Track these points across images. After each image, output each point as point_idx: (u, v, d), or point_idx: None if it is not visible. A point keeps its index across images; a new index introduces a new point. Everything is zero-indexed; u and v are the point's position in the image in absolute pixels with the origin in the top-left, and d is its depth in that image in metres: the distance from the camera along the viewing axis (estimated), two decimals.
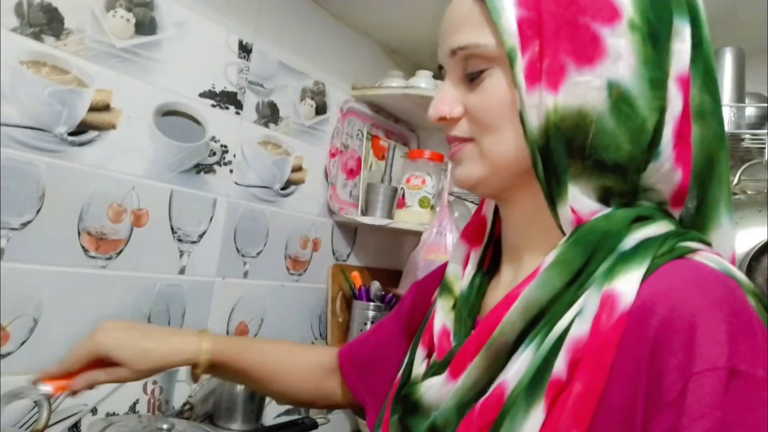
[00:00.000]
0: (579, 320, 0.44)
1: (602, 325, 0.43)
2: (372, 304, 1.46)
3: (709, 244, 0.50)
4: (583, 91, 0.47)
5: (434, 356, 0.57)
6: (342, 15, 1.44)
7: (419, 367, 0.58)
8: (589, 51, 0.47)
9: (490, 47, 0.50)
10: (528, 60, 0.48)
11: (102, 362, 0.70)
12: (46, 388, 0.68)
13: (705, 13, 0.51)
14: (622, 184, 0.49)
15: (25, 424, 0.90)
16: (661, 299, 0.42)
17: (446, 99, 0.54)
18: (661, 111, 0.48)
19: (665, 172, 0.49)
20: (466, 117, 0.54)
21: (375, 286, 1.49)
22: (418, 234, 1.43)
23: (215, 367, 0.75)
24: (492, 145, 0.52)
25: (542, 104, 0.48)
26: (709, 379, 0.39)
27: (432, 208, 1.47)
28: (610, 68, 0.47)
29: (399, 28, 1.48)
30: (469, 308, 0.58)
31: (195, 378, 0.74)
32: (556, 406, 0.43)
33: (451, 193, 1.42)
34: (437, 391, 0.51)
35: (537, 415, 0.43)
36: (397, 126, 1.69)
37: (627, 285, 0.44)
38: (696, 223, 0.52)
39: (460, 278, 0.61)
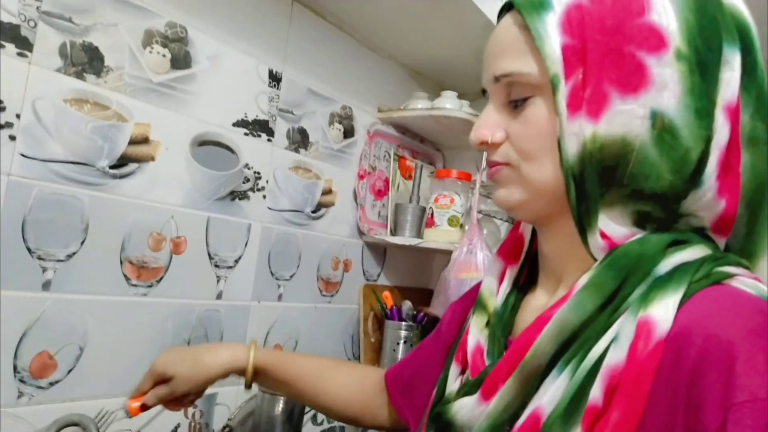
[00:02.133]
0: (615, 347, 0.44)
1: (639, 353, 0.43)
2: (404, 323, 1.47)
3: (747, 268, 0.49)
4: (626, 119, 0.47)
5: (467, 374, 0.57)
6: (367, 40, 1.47)
7: (453, 384, 0.58)
8: (633, 80, 0.47)
9: (534, 75, 0.50)
10: (571, 87, 0.48)
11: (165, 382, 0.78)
12: (134, 405, 0.79)
13: (758, 39, 0.50)
14: (660, 211, 0.49)
15: None
16: (698, 327, 0.42)
17: (488, 124, 0.55)
18: (707, 141, 0.47)
19: (707, 201, 0.49)
20: (508, 143, 0.54)
21: (406, 305, 1.50)
22: (447, 253, 1.44)
23: (261, 376, 0.81)
24: (531, 171, 0.52)
25: (581, 132, 0.48)
26: (750, 410, 0.38)
27: (461, 226, 1.48)
28: (654, 98, 0.47)
29: (423, 50, 1.51)
30: (503, 326, 0.58)
31: (245, 385, 0.81)
32: None
33: (479, 211, 1.43)
34: (469, 411, 0.52)
35: None
36: (423, 146, 1.71)
37: (663, 311, 0.43)
38: (745, 249, 0.52)
39: (495, 295, 0.61)
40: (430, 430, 0.57)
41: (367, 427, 0.83)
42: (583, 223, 0.50)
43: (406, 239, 1.49)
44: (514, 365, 0.48)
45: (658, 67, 0.47)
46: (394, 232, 1.54)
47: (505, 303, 0.60)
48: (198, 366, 0.78)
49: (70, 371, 0.93)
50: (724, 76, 0.48)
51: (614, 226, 0.49)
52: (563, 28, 0.49)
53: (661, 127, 0.47)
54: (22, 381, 0.88)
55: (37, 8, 0.86)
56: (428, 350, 0.76)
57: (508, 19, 0.53)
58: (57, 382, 0.92)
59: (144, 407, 0.78)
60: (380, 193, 1.55)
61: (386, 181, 1.56)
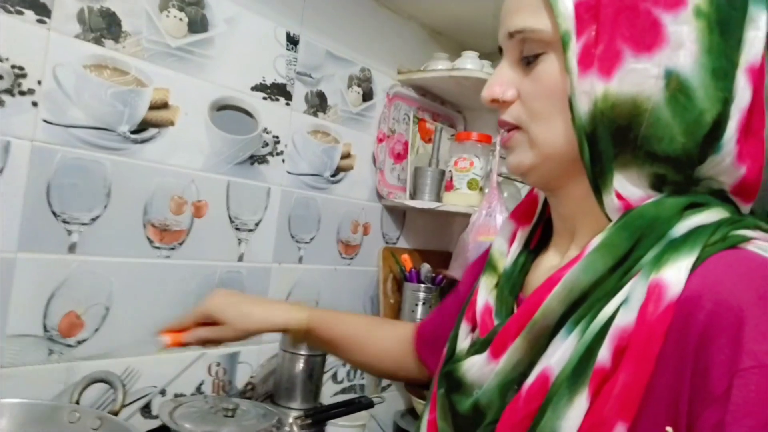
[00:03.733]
0: (625, 309, 0.44)
1: (649, 315, 0.42)
2: (422, 285, 1.48)
3: (766, 231, 0.48)
4: (639, 79, 0.46)
5: (477, 333, 0.58)
6: (385, 0, 1.44)
7: (463, 342, 0.59)
8: (648, 38, 0.46)
9: (546, 31, 0.50)
10: (582, 45, 0.48)
11: (211, 325, 0.80)
12: (165, 338, 0.79)
13: None
14: (675, 174, 0.48)
15: (101, 405, 0.96)
16: (709, 292, 0.41)
17: (500, 81, 0.54)
18: (725, 103, 0.46)
19: (726, 166, 0.48)
20: (519, 101, 0.53)
21: (425, 268, 1.51)
22: (467, 216, 1.44)
23: (308, 335, 0.82)
24: (541, 132, 0.52)
25: (592, 90, 0.47)
26: (756, 376, 0.38)
27: (481, 189, 1.47)
28: (669, 56, 0.46)
29: (443, 9, 1.48)
30: (511, 286, 0.58)
31: (292, 342, 0.85)
32: (600, 396, 0.43)
33: (499, 174, 1.42)
34: (479, 370, 0.52)
35: (580, 403, 0.43)
36: (444, 108, 1.69)
37: (675, 274, 0.43)
38: None
39: (505, 256, 0.62)
40: (442, 387, 0.58)
41: (402, 380, 0.88)
42: (598, 183, 0.50)
43: (425, 203, 1.49)
44: (523, 324, 0.49)
45: (674, 24, 0.46)
46: (413, 196, 1.54)
47: (514, 263, 0.60)
48: (249, 318, 0.80)
49: (96, 330, 0.97)
50: (748, 35, 0.46)
51: (630, 187, 0.49)
52: None
53: (676, 87, 0.46)
54: (51, 339, 0.91)
55: None
56: (449, 307, 0.77)
57: None
58: (84, 340, 0.96)
59: (183, 344, 0.80)
60: (399, 157, 1.54)
61: (405, 144, 1.56)
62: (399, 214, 1.58)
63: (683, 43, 0.45)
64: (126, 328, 1.00)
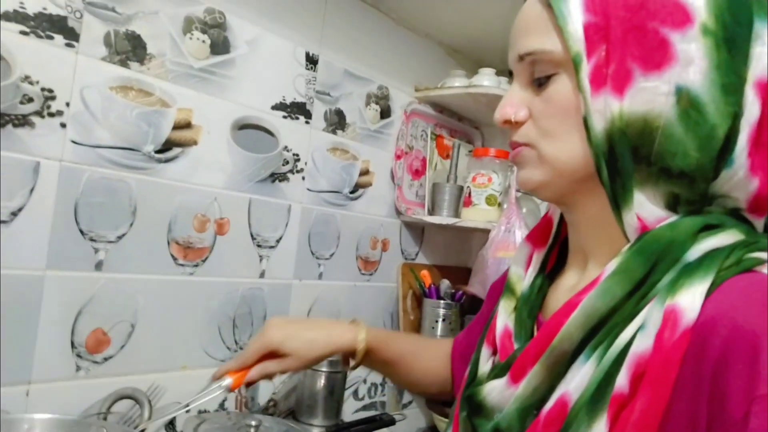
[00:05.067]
0: (641, 335, 0.44)
1: (665, 341, 0.43)
2: (442, 302, 1.48)
3: None
4: (650, 97, 0.47)
5: (497, 357, 0.58)
6: (403, 19, 1.47)
7: (484, 366, 0.60)
8: (657, 56, 0.47)
9: (557, 53, 0.50)
10: (594, 65, 0.48)
11: (272, 355, 0.75)
12: (228, 380, 0.75)
13: None
14: (690, 192, 0.48)
15: (128, 421, 0.97)
16: (725, 318, 0.42)
17: (512, 102, 0.55)
18: (735, 118, 0.46)
19: (739, 180, 0.48)
20: (531, 121, 0.54)
21: (444, 284, 1.51)
22: (486, 232, 1.44)
23: (367, 356, 0.79)
24: (552, 150, 0.52)
25: (607, 109, 0.48)
26: None
27: (499, 205, 1.48)
28: (679, 74, 0.46)
29: (460, 27, 1.49)
30: (530, 309, 0.59)
31: (350, 365, 0.79)
32: (619, 421, 0.43)
33: (518, 190, 1.43)
34: (499, 394, 0.53)
35: (599, 429, 0.44)
36: (461, 124, 1.70)
37: (690, 300, 0.43)
38: None
39: (522, 279, 0.62)
40: (464, 410, 0.59)
41: (449, 398, 0.85)
42: (618, 201, 0.50)
43: (443, 218, 1.50)
44: (542, 350, 0.49)
45: (682, 42, 0.46)
46: (431, 212, 1.55)
47: (531, 286, 0.61)
48: (315, 346, 0.76)
49: (122, 347, 0.98)
50: (755, 51, 0.47)
51: (648, 205, 0.49)
52: (586, 5, 0.49)
53: (687, 104, 0.46)
54: (78, 356, 0.93)
55: None
56: (477, 325, 0.78)
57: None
58: (111, 357, 0.97)
59: (249, 383, 0.76)
60: (418, 173, 1.55)
61: (423, 160, 1.57)
62: (418, 230, 1.58)
63: (692, 60, 0.46)
64: (151, 345, 1.02)
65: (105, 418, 0.88)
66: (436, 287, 1.51)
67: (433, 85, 1.53)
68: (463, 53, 1.66)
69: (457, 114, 1.67)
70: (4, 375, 0.84)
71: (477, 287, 1.46)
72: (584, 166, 0.51)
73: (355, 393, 1.41)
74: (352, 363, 0.79)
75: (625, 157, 0.48)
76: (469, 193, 1.49)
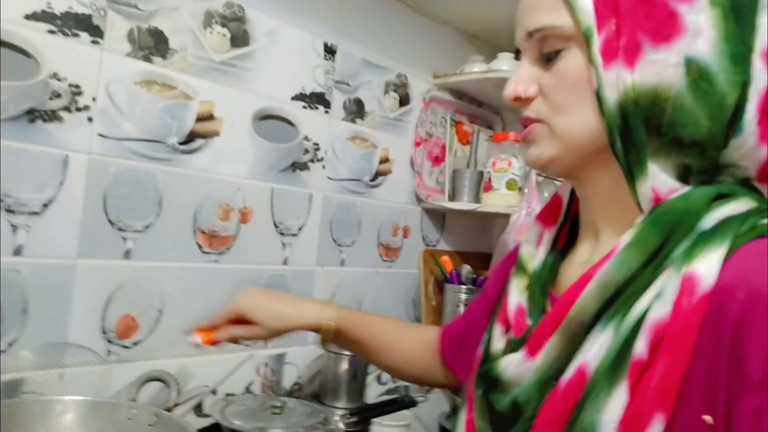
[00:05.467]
0: (659, 302, 0.45)
1: (684, 307, 0.43)
2: (464, 287, 1.50)
3: None
4: (659, 68, 0.48)
5: (511, 333, 0.59)
6: (420, 7, 1.47)
7: (498, 343, 0.60)
8: (665, 28, 0.47)
9: (566, 27, 0.51)
10: (604, 38, 0.49)
11: (242, 322, 0.80)
12: (196, 339, 0.80)
13: None
14: (701, 161, 0.49)
15: (156, 404, 1.01)
16: (742, 282, 0.42)
17: (522, 79, 0.56)
18: (744, 86, 0.47)
19: (748, 148, 0.48)
20: (541, 97, 0.55)
21: (466, 269, 1.52)
22: (506, 216, 1.44)
23: (337, 334, 0.82)
24: (564, 124, 0.53)
25: (619, 81, 0.48)
26: None
27: (520, 189, 1.48)
28: (688, 45, 0.47)
29: (478, 13, 1.49)
30: (542, 286, 0.59)
31: (322, 342, 0.83)
32: (639, 388, 0.44)
33: (538, 174, 1.43)
34: (516, 368, 0.54)
35: (620, 396, 0.44)
36: (481, 110, 1.70)
37: (707, 266, 0.44)
38: None
39: (534, 257, 0.63)
40: (479, 388, 0.60)
41: (428, 384, 0.86)
42: (633, 173, 0.50)
43: (464, 204, 1.51)
44: (558, 322, 0.50)
45: (690, 14, 0.47)
46: (452, 198, 1.56)
47: (543, 263, 0.61)
48: (281, 317, 0.79)
49: (151, 332, 1.02)
50: (761, 20, 0.47)
51: (662, 177, 0.50)
52: None
53: (696, 74, 0.47)
54: (109, 341, 0.97)
55: None
56: (476, 310, 0.78)
57: None
58: (139, 342, 1.01)
59: (215, 342, 0.80)
60: (437, 160, 1.56)
61: (443, 147, 1.58)
62: (439, 217, 1.59)
63: (701, 31, 0.47)
64: (178, 330, 1.04)
65: (134, 400, 0.91)
66: (457, 273, 1.52)
67: (451, 72, 1.53)
68: (482, 38, 1.66)
69: (476, 100, 1.67)
70: (39, 359, 0.89)
71: None
72: (596, 139, 0.51)
73: (379, 377, 1.44)
74: (321, 340, 0.82)
75: (638, 128, 0.49)
76: (490, 179, 1.49)
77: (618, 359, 0.45)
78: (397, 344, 0.85)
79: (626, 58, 0.48)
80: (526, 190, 1.45)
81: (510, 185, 1.47)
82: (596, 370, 0.47)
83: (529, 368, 0.52)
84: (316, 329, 0.81)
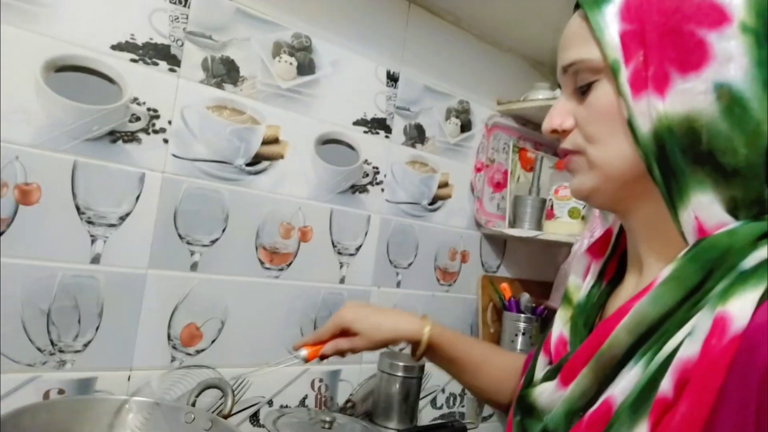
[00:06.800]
0: (689, 340, 0.44)
1: (712, 347, 0.42)
2: (522, 315, 1.48)
3: None
4: (689, 96, 0.48)
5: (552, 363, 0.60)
6: (485, 35, 1.50)
7: (539, 371, 0.61)
8: (693, 57, 0.48)
9: (596, 60, 0.53)
10: (632, 69, 0.50)
11: (345, 335, 0.85)
12: (303, 352, 0.86)
13: None
14: (746, 193, 0.48)
15: (214, 410, 1.06)
16: None
17: (558, 112, 0.58)
18: None
19: None
20: (577, 129, 0.56)
21: (525, 297, 1.51)
22: (568, 245, 1.43)
23: (431, 350, 0.85)
24: (599, 154, 0.54)
25: (651, 110, 0.49)
26: None
27: (582, 218, 1.46)
28: (718, 71, 0.47)
29: (543, 41, 1.50)
30: (585, 318, 0.60)
31: (415, 356, 0.86)
32: (660, 426, 0.43)
33: None
34: (549, 396, 0.54)
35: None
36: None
37: (741, 307, 0.42)
38: None
39: (580, 289, 0.63)
40: (517, 414, 0.61)
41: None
42: (674, 200, 0.50)
43: (524, 231, 1.50)
44: (591, 354, 0.50)
45: (721, 41, 0.47)
46: (513, 224, 1.56)
47: (588, 295, 0.61)
48: (382, 328, 0.84)
49: (213, 341, 1.08)
50: None
51: (708, 209, 0.49)
52: (622, 15, 0.51)
53: (728, 100, 0.47)
54: (174, 348, 1.03)
55: (184, 29, 1.01)
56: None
57: (576, 14, 0.56)
58: (202, 350, 1.07)
59: (323, 356, 0.85)
60: (499, 186, 1.57)
61: (505, 173, 1.58)
62: (499, 243, 1.59)
63: (732, 57, 0.47)
64: (239, 341, 1.11)
65: (194, 405, 0.97)
66: (516, 300, 1.51)
67: (515, 98, 1.54)
68: (547, 66, 1.66)
69: (540, 126, 1.66)
70: (109, 361, 0.96)
71: (558, 302, 1.45)
72: (633, 168, 0.52)
73: (433, 401, 1.44)
74: (415, 354, 0.85)
75: (676, 155, 0.49)
76: (552, 206, 1.48)
77: (643, 395, 0.45)
78: (488, 366, 0.86)
79: (656, 87, 0.49)
80: (589, 219, 1.43)
81: (572, 213, 1.45)
82: (621, 404, 0.46)
83: (560, 397, 0.53)
84: (413, 341, 0.85)
